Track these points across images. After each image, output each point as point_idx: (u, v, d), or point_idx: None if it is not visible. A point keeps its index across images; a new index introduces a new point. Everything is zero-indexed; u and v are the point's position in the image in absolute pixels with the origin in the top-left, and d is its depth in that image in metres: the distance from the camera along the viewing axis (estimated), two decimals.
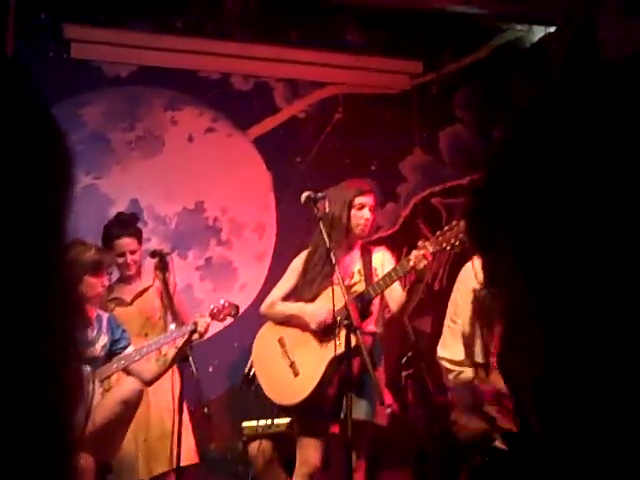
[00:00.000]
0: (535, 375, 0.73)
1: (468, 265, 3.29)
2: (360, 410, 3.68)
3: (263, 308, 4.07)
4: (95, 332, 3.90)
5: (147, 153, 5.66)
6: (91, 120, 5.59)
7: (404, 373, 4.38)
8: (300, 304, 3.94)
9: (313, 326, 3.82)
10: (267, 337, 4.03)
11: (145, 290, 4.42)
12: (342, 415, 3.63)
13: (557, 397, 0.71)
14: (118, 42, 5.71)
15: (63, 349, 0.62)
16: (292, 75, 6.02)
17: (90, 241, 3.98)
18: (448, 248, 3.71)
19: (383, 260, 4.01)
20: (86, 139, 5.47)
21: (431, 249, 3.64)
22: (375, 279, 3.86)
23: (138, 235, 4.66)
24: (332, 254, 3.64)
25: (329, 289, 3.75)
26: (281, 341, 3.97)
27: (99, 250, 3.93)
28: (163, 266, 4.32)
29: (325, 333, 3.81)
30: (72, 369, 0.63)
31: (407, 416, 4.47)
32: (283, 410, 4.07)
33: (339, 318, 3.63)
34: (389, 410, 4.50)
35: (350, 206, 3.95)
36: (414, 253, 3.64)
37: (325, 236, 3.68)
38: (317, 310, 3.82)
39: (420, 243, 3.70)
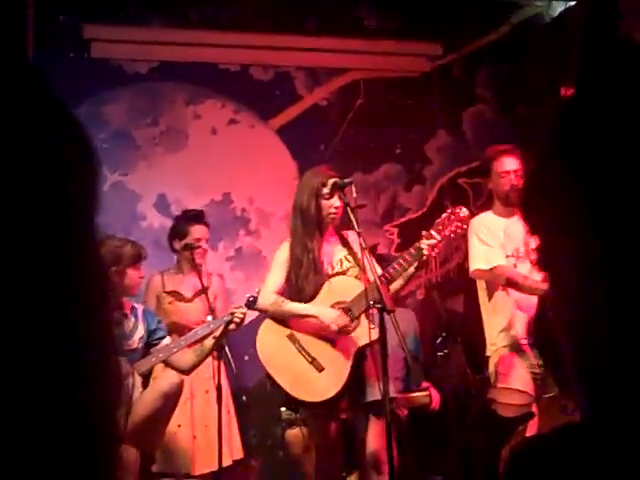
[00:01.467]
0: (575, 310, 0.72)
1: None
2: (374, 394, 3.63)
3: (265, 304, 3.87)
4: (132, 324, 3.94)
5: (172, 148, 5.69)
6: (114, 118, 5.63)
7: (439, 353, 4.37)
8: (306, 305, 3.79)
9: (334, 327, 3.70)
10: (273, 335, 3.86)
11: (206, 289, 4.44)
12: (363, 399, 3.66)
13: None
14: (136, 39, 5.74)
15: (99, 342, 0.62)
16: (312, 63, 6.02)
17: (121, 236, 4.06)
18: (452, 235, 3.73)
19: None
20: (110, 137, 5.51)
21: (439, 237, 3.65)
22: (365, 261, 3.75)
23: (207, 224, 4.76)
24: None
25: (335, 279, 3.75)
26: (292, 337, 3.83)
27: (135, 244, 4.02)
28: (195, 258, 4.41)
29: (341, 333, 3.74)
30: (110, 362, 0.64)
31: (445, 396, 4.47)
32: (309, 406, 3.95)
33: (371, 302, 3.58)
34: (426, 393, 4.51)
35: (317, 196, 3.81)
36: (425, 242, 3.62)
37: (355, 224, 3.63)
38: (332, 313, 3.73)
39: (426, 233, 3.67)
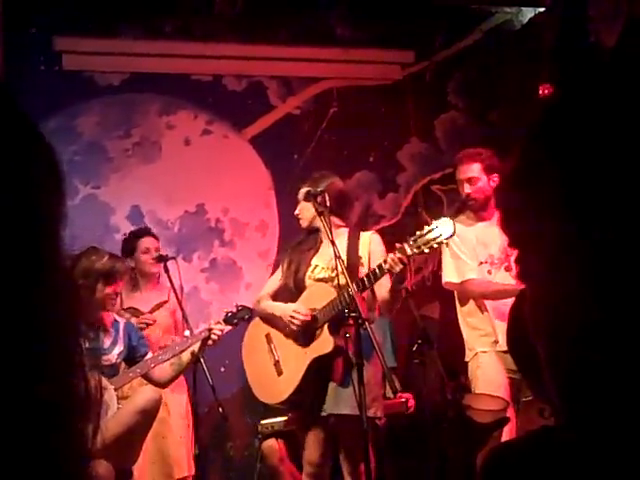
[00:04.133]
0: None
1: None
2: (344, 405, 3.62)
3: (254, 302, 4.05)
4: (112, 339, 3.91)
5: (145, 159, 5.67)
6: (87, 130, 5.60)
7: (415, 361, 4.37)
8: (280, 304, 3.91)
9: (293, 327, 3.79)
10: (255, 332, 4.03)
11: (163, 303, 4.44)
12: (324, 412, 3.66)
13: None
14: (108, 51, 5.71)
15: (69, 357, 0.62)
16: (284, 72, 6.02)
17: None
18: (426, 251, 3.61)
19: (370, 245, 3.90)
20: (83, 149, 5.49)
21: (409, 252, 3.53)
22: (361, 269, 3.75)
23: (156, 237, 4.83)
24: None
25: (315, 285, 3.77)
26: (268, 337, 3.95)
27: (112, 257, 3.95)
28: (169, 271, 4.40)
29: (305, 332, 3.78)
30: (82, 377, 0.63)
31: (421, 403, 4.48)
32: (271, 408, 4.09)
33: (346, 311, 3.57)
34: (403, 400, 4.52)
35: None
36: (390, 256, 3.55)
37: (327, 229, 3.64)
38: (289, 308, 3.81)
39: (398, 245, 3.58)
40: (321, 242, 3.89)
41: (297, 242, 4.00)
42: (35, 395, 0.57)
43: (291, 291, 3.91)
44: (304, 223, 3.93)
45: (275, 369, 3.86)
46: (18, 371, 0.57)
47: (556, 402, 0.75)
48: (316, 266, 3.85)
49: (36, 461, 0.57)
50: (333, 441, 3.74)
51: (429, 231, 3.56)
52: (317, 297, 3.78)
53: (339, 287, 3.59)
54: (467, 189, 4.25)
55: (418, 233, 3.58)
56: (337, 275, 3.57)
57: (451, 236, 3.58)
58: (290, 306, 3.83)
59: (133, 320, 4.18)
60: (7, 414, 0.55)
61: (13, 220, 0.58)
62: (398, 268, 3.53)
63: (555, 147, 0.74)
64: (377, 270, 3.61)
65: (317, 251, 3.89)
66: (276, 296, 3.99)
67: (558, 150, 0.73)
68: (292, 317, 3.78)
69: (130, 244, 4.74)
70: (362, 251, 3.85)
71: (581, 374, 0.71)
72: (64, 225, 0.64)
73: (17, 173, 0.60)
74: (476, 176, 4.23)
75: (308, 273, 3.85)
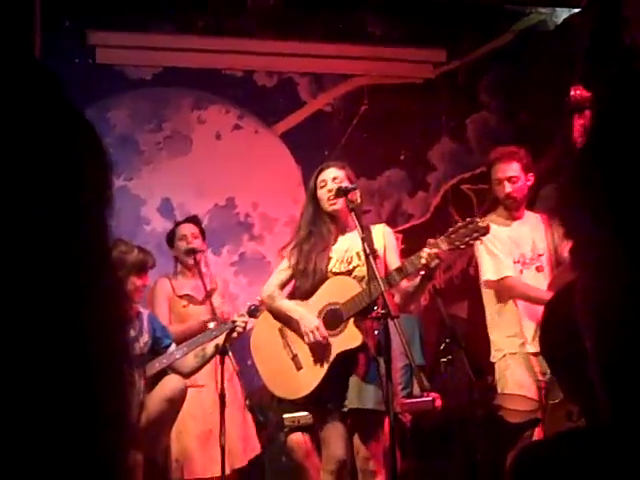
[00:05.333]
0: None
1: None
2: (368, 400, 3.57)
3: (264, 297, 3.87)
4: (137, 330, 3.94)
5: (176, 152, 5.71)
6: (119, 123, 5.65)
7: (443, 359, 4.36)
8: (298, 308, 3.74)
9: (306, 339, 3.65)
10: (267, 325, 3.86)
11: (213, 291, 4.45)
12: (345, 407, 3.57)
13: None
14: (141, 45, 5.77)
15: (114, 348, 0.62)
16: (316, 69, 6.03)
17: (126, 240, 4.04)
18: (462, 247, 3.56)
19: (384, 238, 3.81)
20: (115, 142, 5.52)
21: (444, 247, 3.47)
22: (378, 262, 3.59)
23: (198, 224, 4.78)
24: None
25: (336, 278, 3.67)
26: (282, 331, 3.80)
27: (142, 250, 4.00)
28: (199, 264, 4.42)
29: (329, 327, 3.66)
30: (124, 368, 0.63)
31: (447, 402, 4.46)
32: (289, 403, 3.94)
33: (375, 307, 3.53)
34: (430, 399, 4.51)
35: (314, 188, 3.79)
36: (426, 251, 3.45)
37: (358, 227, 3.58)
38: (312, 322, 3.66)
39: (432, 241, 3.51)
40: (337, 235, 3.84)
41: (306, 233, 3.79)
42: (85, 387, 0.58)
43: (304, 283, 3.76)
44: (331, 206, 3.78)
45: (294, 364, 3.72)
46: (71, 363, 0.57)
47: (600, 396, 0.74)
48: (330, 258, 3.77)
49: (84, 451, 0.57)
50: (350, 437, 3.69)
51: (464, 227, 3.51)
52: (339, 290, 3.68)
53: (368, 281, 3.54)
54: (508, 188, 4.22)
55: (452, 229, 3.52)
56: (368, 270, 3.52)
57: (486, 233, 3.55)
58: (311, 318, 3.68)
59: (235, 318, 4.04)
60: (58, 403, 0.56)
61: (60, 203, 0.59)
62: (434, 264, 3.47)
63: (607, 151, 0.74)
64: (408, 265, 3.56)
65: (334, 243, 3.81)
66: (283, 288, 3.88)
67: (610, 154, 0.73)
68: (312, 332, 3.64)
69: (170, 233, 4.77)
70: (377, 244, 3.73)
71: (631, 366, 0.71)
72: (110, 210, 0.64)
73: (64, 156, 0.60)
74: (517, 175, 4.22)
75: (330, 266, 3.76)
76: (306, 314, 3.69)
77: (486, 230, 3.52)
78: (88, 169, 0.62)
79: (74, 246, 0.59)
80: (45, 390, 0.55)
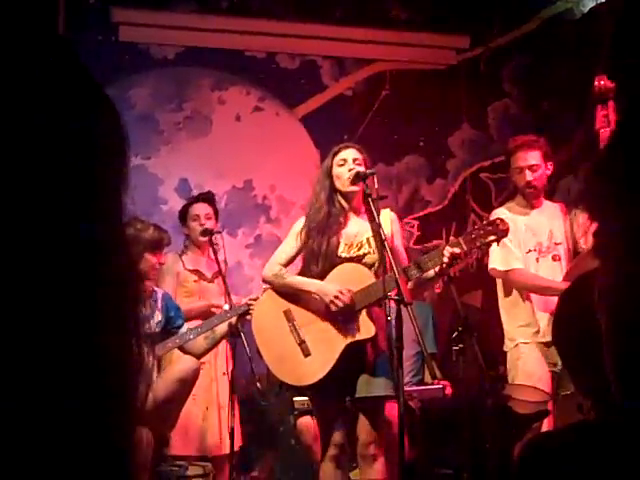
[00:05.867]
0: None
1: None
2: (377, 387, 3.55)
3: (268, 275, 3.74)
4: (151, 309, 3.96)
5: (195, 133, 5.72)
6: (139, 102, 5.66)
7: (455, 347, 4.35)
8: (315, 281, 3.62)
9: (333, 308, 3.55)
10: (271, 308, 3.74)
11: (223, 273, 4.48)
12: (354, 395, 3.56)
13: None
14: (164, 24, 5.76)
15: (126, 325, 0.63)
16: (338, 53, 6.01)
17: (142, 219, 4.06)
18: (483, 248, 3.60)
19: (392, 224, 3.76)
20: (134, 120, 5.53)
21: (465, 248, 3.46)
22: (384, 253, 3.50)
23: (212, 203, 4.79)
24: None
25: (348, 265, 3.63)
26: (288, 314, 3.69)
27: (157, 228, 4.00)
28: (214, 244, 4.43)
29: (341, 314, 3.59)
30: (135, 345, 0.64)
31: (458, 390, 4.46)
32: (291, 388, 3.86)
33: (389, 293, 3.51)
34: (440, 386, 4.51)
35: (331, 167, 3.75)
36: (448, 250, 3.44)
37: (376, 215, 3.55)
38: (333, 289, 3.55)
39: (453, 239, 3.54)
40: (347, 219, 3.76)
41: (319, 213, 3.70)
42: (95, 363, 0.58)
43: (313, 265, 3.66)
44: (350, 186, 3.69)
45: (301, 350, 3.62)
46: (82, 336, 0.58)
47: (613, 382, 0.74)
48: (339, 243, 3.73)
49: (92, 423, 0.58)
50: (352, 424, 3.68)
51: (484, 227, 3.51)
52: (351, 278, 3.61)
53: (383, 272, 3.51)
54: (529, 176, 4.20)
55: (472, 229, 3.54)
56: (385, 258, 3.49)
57: (505, 235, 3.54)
58: (331, 286, 3.57)
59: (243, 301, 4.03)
60: (68, 374, 0.56)
61: (77, 176, 0.59)
62: (454, 263, 3.49)
63: (635, 142, 0.74)
64: (429, 262, 3.52)
65: (344, 227, 3.75)
66: (286, 266, 3.76)
67: (638, 145, 0.73)
68: (337, 298, 3.55)
69: (183, 210, 4.79)
70: (385, 230, 3.61)
71: None
72: (126, 186, 0.64)
73: (83, 130, 0.60)
74: (537, 163, 4.20)
75: (340, 249, 3.71)
76: (323, 284, 3.60)
77: (505, 232, 3.52)
78: (104, 142, 0.63)
79: (88, 219, 0.59)
80: (55, 362, 0.56)
